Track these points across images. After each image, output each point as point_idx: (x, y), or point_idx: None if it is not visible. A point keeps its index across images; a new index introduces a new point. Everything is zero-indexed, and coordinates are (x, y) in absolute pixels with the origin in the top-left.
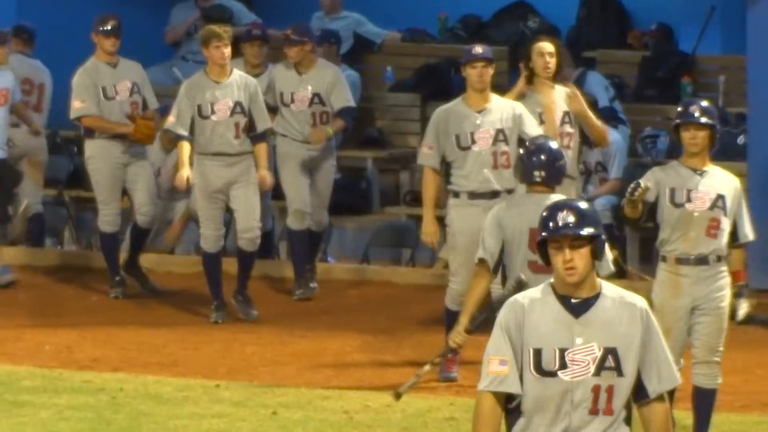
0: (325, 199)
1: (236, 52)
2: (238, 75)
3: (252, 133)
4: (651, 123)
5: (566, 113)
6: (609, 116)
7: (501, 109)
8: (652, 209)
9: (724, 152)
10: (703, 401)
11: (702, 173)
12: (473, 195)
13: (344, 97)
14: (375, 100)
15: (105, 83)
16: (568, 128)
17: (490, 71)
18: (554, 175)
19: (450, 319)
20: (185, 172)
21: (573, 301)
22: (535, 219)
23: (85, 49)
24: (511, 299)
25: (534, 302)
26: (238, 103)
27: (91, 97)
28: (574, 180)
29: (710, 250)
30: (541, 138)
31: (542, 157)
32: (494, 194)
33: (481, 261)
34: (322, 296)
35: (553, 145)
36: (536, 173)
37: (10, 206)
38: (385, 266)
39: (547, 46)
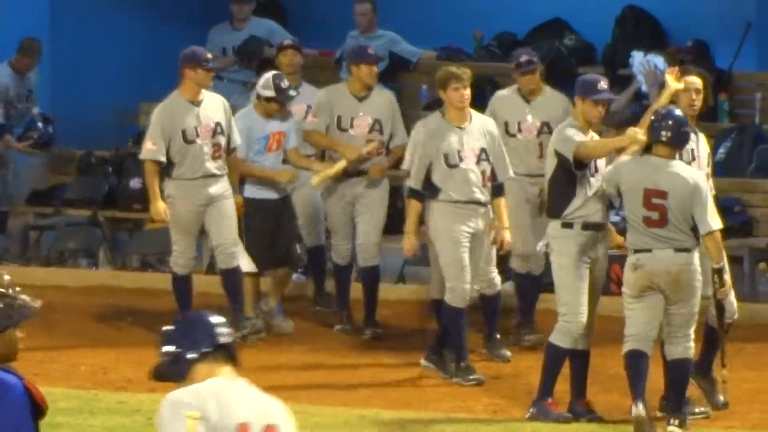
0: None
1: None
2: (478, 118)
3: (494, 182)
4: None
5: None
6: None
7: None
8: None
9: (760, 169)
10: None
11: None
12: (587, 226)
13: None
14: (410, 118)
15: (186, 126)
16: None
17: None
18: (679, 139)
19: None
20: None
21: None
22: (650, 180)
23: (116, 71)
24: None
25: None
26: (483, 150)
27: (163, 141)
28: None
29: None
30: (670, 106)
31: (670, 121)
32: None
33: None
34: (359, 316)
35: (681, 114)
36: (663, 133)
37: None
38: (420, 285)
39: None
